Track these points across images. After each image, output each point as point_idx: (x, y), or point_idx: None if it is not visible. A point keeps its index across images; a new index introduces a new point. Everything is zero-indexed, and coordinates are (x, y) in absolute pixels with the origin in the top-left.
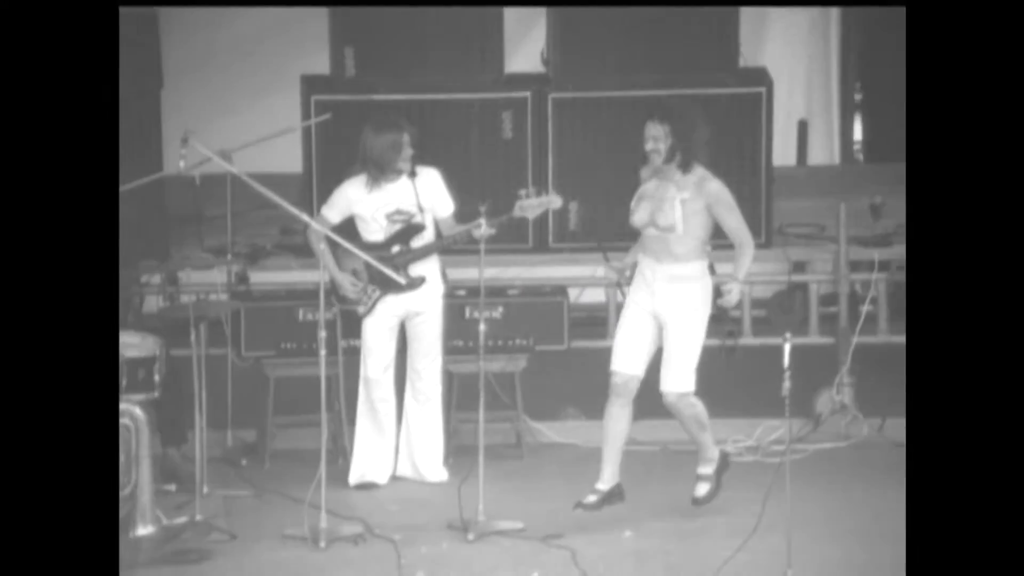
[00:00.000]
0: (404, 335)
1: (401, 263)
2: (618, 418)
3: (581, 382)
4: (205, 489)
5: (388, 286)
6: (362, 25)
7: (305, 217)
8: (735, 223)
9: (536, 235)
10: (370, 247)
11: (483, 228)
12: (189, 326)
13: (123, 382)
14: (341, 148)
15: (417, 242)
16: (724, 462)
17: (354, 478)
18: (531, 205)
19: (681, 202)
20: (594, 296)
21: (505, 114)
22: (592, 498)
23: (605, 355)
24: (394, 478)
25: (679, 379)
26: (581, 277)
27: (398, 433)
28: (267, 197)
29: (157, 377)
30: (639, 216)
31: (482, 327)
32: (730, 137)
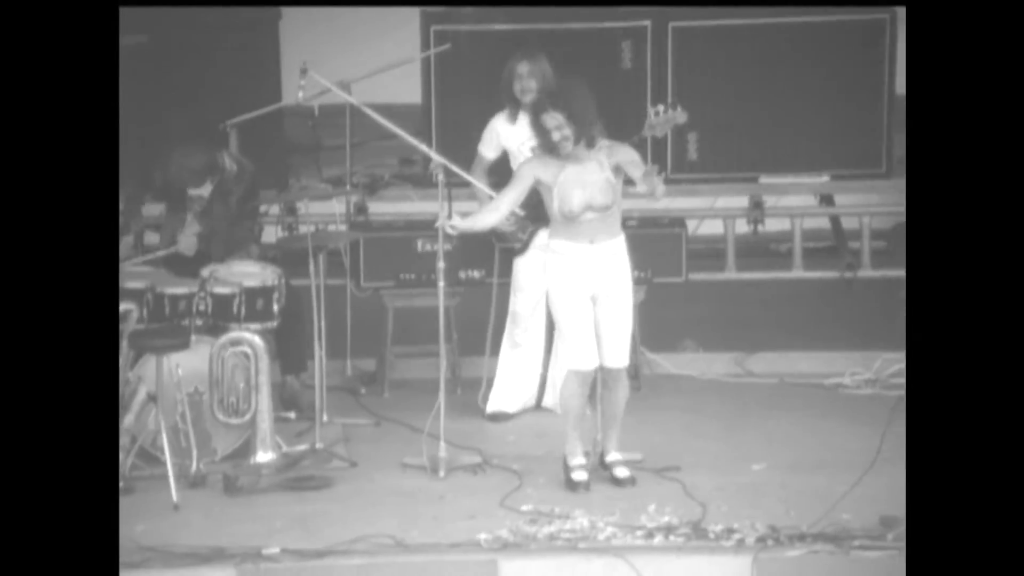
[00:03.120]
0: None
1: None
2: (585, 404)
3: (699, 314)
4: (325, 417)
5: (542, 220)
6: None
7: (424, 147)
8: (635, 167)
9: (654, 163)
10: None
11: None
12: (308, 256)
13: (242, 311)
14: (460, 78)
15: None
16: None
17: (491, 407)
18: (659, 122)
19: (613, 176)
20: (712, 228)
21: (624, 43)
22: (583, 475)
23: (723, 288)
24: (538, 409)
25: (622, 354)
26: (700, 208)
27: (545, 366)
28: (386, 128)
29: (276, 306)
30: (575, 204)
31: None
32: (852, 66)
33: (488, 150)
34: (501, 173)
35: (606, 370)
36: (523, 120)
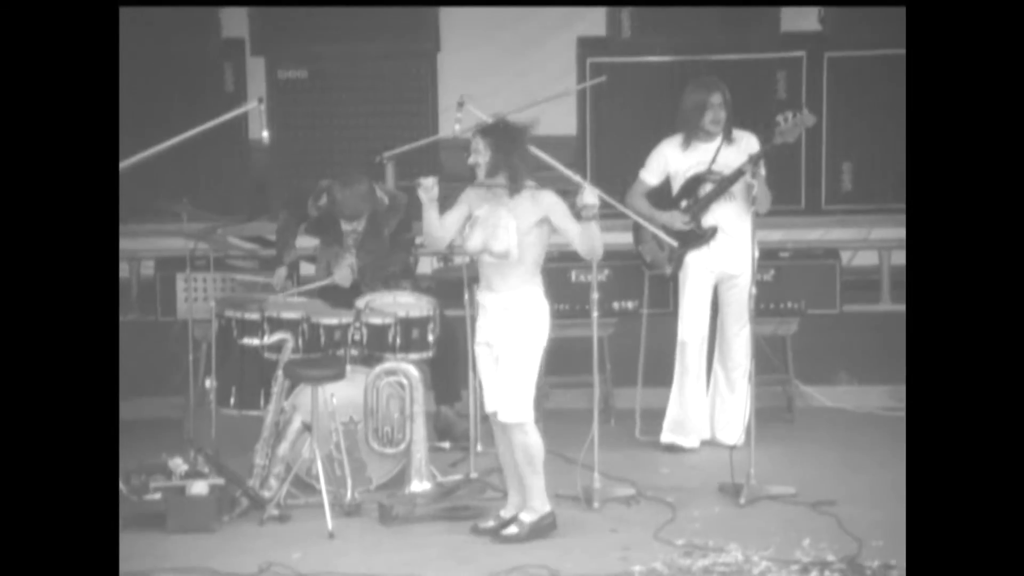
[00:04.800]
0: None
1: (692, 215)
2: (507, 447)
3: (853, 346)
4: (479, 447)
5: (687, 243)
6: None
7: (578, 179)
8: (576, 228)
9: (808, 197)
10: (664, 206)
11: (757, 175)
12: (463, 287)
13: (397, 341)
14: (615, 110)
15: (704, 191)
16: (548, 522)
17: (665, 438)
18: (789, 128)
19: (515, 226)
20: (867, 259)
21: (779, 73)
22: (491, 523)
23: (878, 319)
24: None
25: (513, 408)
26: (854, 240)
27: (708, 397)
28: (541, 159)
29: (431, 337)
30: (472, 244)
31: (753, 290)
32: None
33: (651, 175)
34: (659, 198)
35: (494, 421)
36: (696, 148)
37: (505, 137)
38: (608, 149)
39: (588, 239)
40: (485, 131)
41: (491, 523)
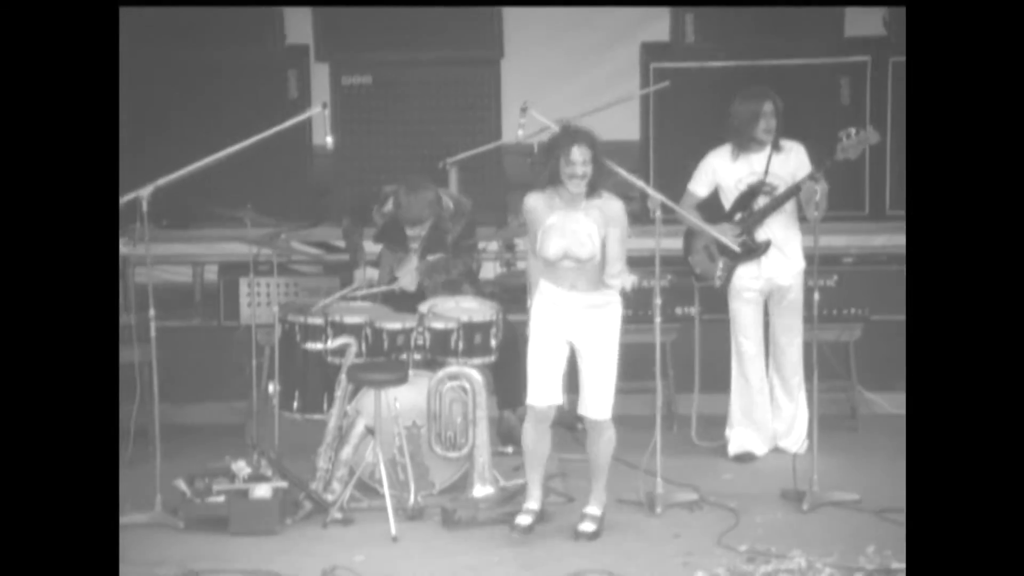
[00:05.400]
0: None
1: (744, 229)
2: (539, 441)
3: None
4: (509, 448)
5: (740, 256)
6: None
7: (641, 184)
8: (618, 249)
9: (873, 202)
10: (717, 217)
11: (820, 185)
12: (525, 292)
13: (460, 345)
14: (679, 115)
15: (758, 204)
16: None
17: (733, 448)
18: (851, 144)
19: (596, 230)
20: None
21: (843, 79)
22: (527, 519)
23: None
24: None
25: (601, 406)
26: None
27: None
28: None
29: (494, 341)
30: (552, 250)
31: (816, 296)
32: None
33: (700, 187)
34: (710, 209)
35: (587, 421)
36: (746, 158)
37: (598, 146)
38: (671, 154)
39: (617, 272)
40: (585, 140)
41: (528, 520)
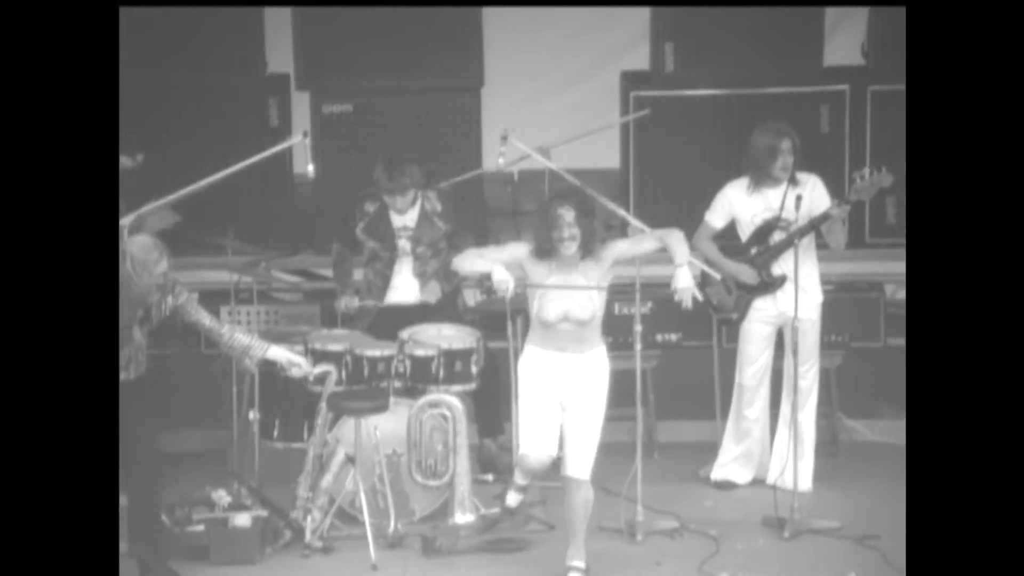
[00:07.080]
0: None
1: (760, 263)
2: (567, 507)
3: (898, 380)
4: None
5: (756, 290)
6: (683, 21)
7: (622, 212)
8: (641, 241)
9: (852, 230)
10: (732, 251)
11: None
12: (506, 319)
13: (440, 373)
14: (658, 143)
15: (775, 239)
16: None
17: (716, 475)
18: (865, 186)
19: (597, 291)
20: None
21: (823, 107)
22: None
23: None
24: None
25: (583, 465)
26: (898, 273)
27: (769, 438)
28: (588, 194)
29: (475, 368)
30: (552, 314)
31: (797, 324)
32: None
33: (716, 219)
34: (728, 238)
35: (565, 478)
36: (762, 192)
37: (584, 205)
38: (651, 182)
39: (655, 235)
40: (570, 201)
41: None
